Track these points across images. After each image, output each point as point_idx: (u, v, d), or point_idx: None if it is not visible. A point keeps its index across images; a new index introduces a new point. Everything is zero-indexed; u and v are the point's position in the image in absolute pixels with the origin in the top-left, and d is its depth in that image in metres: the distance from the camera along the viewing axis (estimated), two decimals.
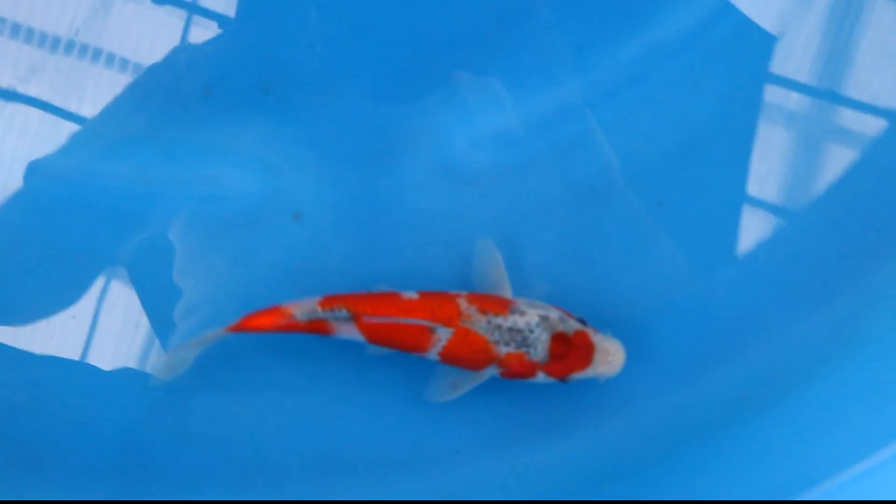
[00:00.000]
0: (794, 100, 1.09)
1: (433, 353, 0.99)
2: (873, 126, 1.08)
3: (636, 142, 1.10)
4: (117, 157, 1.10)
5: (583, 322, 0.99)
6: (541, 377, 0.98)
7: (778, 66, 1.10)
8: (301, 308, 0.99)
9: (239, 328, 1.00)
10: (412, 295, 0.99)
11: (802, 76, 1.09)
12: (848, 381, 1.02)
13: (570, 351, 0.97)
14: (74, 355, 1.08)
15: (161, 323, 1.08)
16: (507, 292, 1.01)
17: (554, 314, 0.98)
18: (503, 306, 0.98)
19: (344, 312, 0.98)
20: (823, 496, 0.93)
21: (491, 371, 0.99)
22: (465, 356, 0.98)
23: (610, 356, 0.98)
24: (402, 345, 0.99)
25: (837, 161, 1.08)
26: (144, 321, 1.09)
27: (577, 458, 1.05)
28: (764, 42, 1.10)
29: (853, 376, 1.02)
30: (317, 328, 1.00)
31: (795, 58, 1.10)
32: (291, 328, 1.00)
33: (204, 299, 1.08)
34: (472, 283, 1.04)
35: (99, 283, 1.09)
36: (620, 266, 1.08)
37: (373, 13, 1.11)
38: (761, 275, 1.07)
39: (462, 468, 1.06)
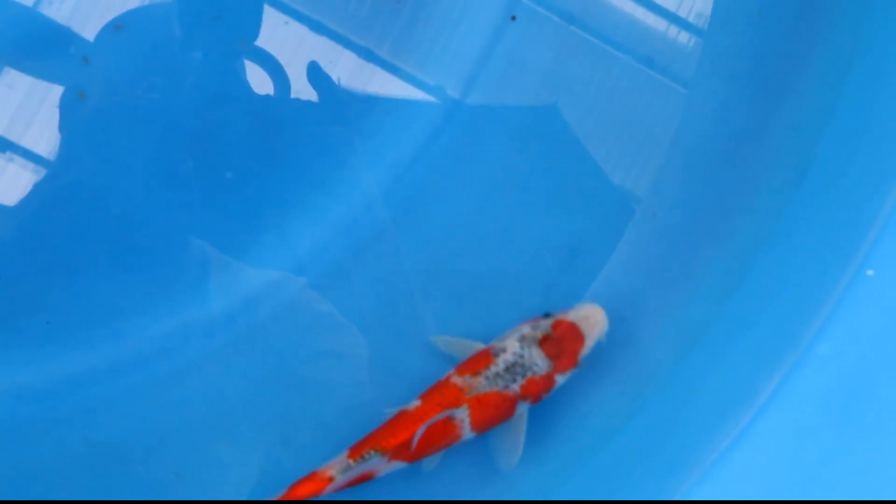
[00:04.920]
0: None
1: (468, 434, 1.03)
2: None
3: (163, 410, 1.12)
4: None
5: (549, 314, 1.05)
6: (560, 379, 1.04)
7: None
8: (336, 467, 1.00)
9: (285, 500, 1.00)
10: (416, 402, 1.02)
11: None
12: None
13: (561, 343, 1.03)
14: None
15: None
16: (479, 346, 1.06)
17: (525, 329, 1.04)
18: (487, 357, 1.03)
19: (375, 454, 1.00)
20: None
21: (523, 408, 1.04)
22: (493, 416, 1.02)
23: (591, 319, 1.04)
24: (439, 446, 1.02)
25: None
26: None
27: None
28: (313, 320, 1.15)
29: None
30: (360, 480, 1.01)
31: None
32: (337, 489, 1.01)
33: None
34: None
35: None
36: None
37: None
38: None
39: None
